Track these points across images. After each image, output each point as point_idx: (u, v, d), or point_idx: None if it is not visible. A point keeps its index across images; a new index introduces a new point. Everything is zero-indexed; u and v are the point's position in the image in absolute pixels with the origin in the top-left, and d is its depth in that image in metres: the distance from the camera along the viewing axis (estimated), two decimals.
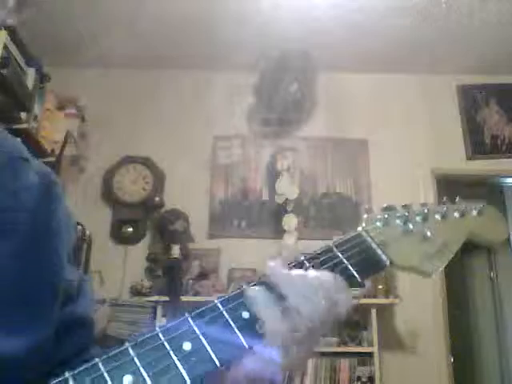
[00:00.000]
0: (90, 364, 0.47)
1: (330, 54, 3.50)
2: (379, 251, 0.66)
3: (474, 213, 0.76)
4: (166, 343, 0.50)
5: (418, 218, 0.72)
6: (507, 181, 3.83)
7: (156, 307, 3.06)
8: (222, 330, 0.52)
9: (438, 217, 0.74)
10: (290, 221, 3.32)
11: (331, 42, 3.43)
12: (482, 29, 3.27)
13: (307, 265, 0.61)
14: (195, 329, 0.51)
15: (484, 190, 3.98)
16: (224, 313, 0.53)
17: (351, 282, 0.62)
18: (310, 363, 2.96)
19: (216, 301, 0.54)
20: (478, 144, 3.66)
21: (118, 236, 3.43)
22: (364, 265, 0.64)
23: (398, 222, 0.71)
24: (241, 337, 0.52)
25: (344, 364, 2.98)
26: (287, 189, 3.36)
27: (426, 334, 3.23)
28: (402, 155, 3.61)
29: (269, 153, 3.62)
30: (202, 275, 3.26)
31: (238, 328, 0.53)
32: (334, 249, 0.64)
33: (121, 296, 3.19)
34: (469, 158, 3.64)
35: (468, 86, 3.77)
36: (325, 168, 3.63)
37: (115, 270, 3.28)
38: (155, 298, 3.08)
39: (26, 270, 0.57)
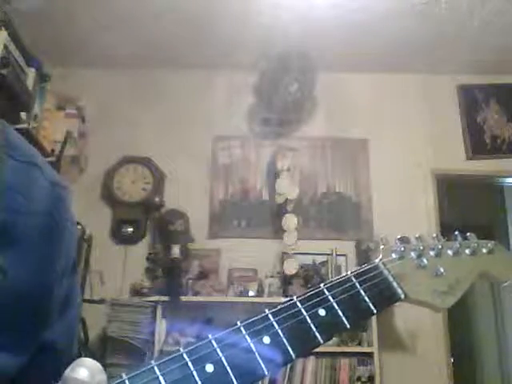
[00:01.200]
0: (116, 382, 0.49)
1: (330, 54, 3.50)
2: (395, 284, 0.69)
3: (485, 251, 0.78)
4: (189, 363, 0.51)
5: (431, 253, 0.75)
6: (507, 181, 3.83)
7: (156, 307, 3.05)
8: (244, 354, 0.53)
9: (450, 253, 0.76)
10: (290, 221, 3.31)
11: (331, 42, 3.43)
12: (482, 29, 3.26)
13: (327, 294, 0.63)
14: (218, 351, 0.52)
15: (484, 190, 3.99)
16: (246, 337, 0.54)
17: (366, 313, 0.65)
18: (310, 363, 2.96)
19: (239, 323, 0.55)
20: (478, 144, 3.66)
21: (118, 236, 3.43)
22: (380, 297, 0.67)
23: (412, 255, 0.74)
24: (261, 363, 0.53)
25: (344, 364, 2.98)
26: (287, 189, 3.36)
27: (426, 334, 3.23)
28: (402, 155, 3.61)
29: (269, 153, 3.61)
30: (202, 275, 3.26)
31: (258, 354, 0.54)
32: (353, 279, 0.66)
33: (121, 296, 3.19)
34: (469, 158, 3.64)
35: (468, 85, 3.77)
36: (325, 168, 3.63)
37: (115, 270, 3.28)
38: (155, 298, 3.07)
39: (28, 280, 0.55)
